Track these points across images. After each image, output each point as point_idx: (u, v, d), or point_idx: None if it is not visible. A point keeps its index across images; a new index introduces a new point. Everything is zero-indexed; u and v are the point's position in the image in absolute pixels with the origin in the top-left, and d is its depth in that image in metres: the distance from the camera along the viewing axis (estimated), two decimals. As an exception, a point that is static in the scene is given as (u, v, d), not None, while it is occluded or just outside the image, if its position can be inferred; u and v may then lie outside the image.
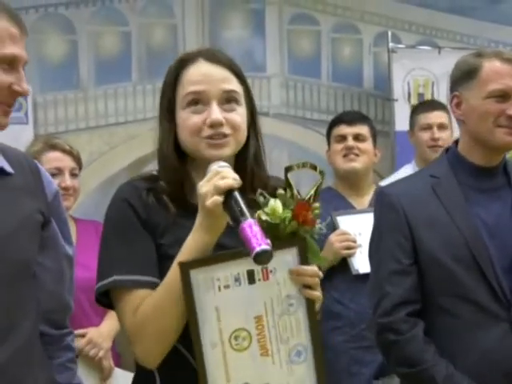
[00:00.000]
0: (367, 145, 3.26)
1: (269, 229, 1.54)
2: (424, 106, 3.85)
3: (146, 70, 4.34)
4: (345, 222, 3.11)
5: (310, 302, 1.58)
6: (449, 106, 3.71)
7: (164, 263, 1.61)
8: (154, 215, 1.66)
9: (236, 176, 1.54)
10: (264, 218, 1.55)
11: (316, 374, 1.59)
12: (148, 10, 4.40)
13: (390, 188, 2.23)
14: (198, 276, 1.52)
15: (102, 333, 2.78)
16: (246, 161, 1.74)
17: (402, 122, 4.00)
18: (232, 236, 1.55)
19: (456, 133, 3.49)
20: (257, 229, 1.45)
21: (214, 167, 1.57)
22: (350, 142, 3.22)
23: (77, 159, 2.88)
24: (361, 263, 3.00)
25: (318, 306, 1.67)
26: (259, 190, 1.61)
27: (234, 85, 1.70)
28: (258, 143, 1.78)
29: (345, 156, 3.22)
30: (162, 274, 1.61)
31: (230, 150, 1.67)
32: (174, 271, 1.56)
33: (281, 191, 1.59)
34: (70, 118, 4.23)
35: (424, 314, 2.10)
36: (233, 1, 4.54)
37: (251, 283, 1.54)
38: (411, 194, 2.16)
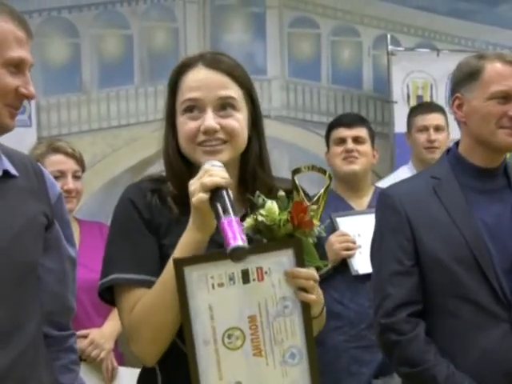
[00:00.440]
0: (366, 147, 3.26)
1: (265, 230, 1.54)
2: (421, 108, 3.86)
3: (148, 72, 4.34)
4: (344, 223, 3.11)
5: (305, 305, 1.56)
6: (447, 108, 3.78)
7: (166, 263, 1.61)
8: (157, 216, 1.66)
9: (225, 175, 1.53)
10: (260, 219, 1.54)
11: (310, 377, 1.57)
12: (150, 14, 4.40)
13: (392, 189, 2.23)
14: (192, 273, 1.51)
15: (104, 334, 2.78)
16: (249, 163, 1.74)
17: (401, 124, 4.01)
18: None
19: (452, 135, 3.54)
20: (236, 226, 1.44)
21: (206, 166, 1.57)
22: (350, 144, 3.22)
23: (79, 162, 2.88)
24: (360, 264, 3.00)
25: (319, 308, 1.66)
26: (257, 192, 1.60)
27: (231, 91, 1.69)
28: (261, 146, 1.76)
29: (344, 159, 3.22)
30: None
31: (226, 155, 1.67)
32: (169, 269, 1.56)
33: (281, 193, 1.58)
34: (73, 121, 4.23)
35: (425, 314, 2.10)
36: (233, 5, 4.54)
37: (245, 283, 1.53)
38: (412, 195, 2.15)
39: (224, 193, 1.50)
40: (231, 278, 1.52)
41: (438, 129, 3.66)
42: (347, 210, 3.19)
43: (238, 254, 1.42)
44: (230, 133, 1.67)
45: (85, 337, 2.71)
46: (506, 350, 2.03)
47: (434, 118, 3.68)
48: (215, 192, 1.50)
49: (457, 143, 2.23)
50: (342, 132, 3.25)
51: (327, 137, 3.34)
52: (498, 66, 2.11)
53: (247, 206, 1.64)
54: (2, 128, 1.69)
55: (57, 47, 4.22)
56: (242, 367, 1.54)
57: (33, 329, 1.73)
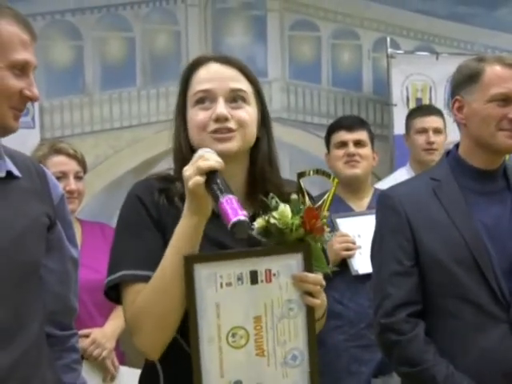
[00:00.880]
0: (367, 150, 3.26)
1: (275, 233, 1.54)
2: (420, 110, 3.88)
3: (150, 75, 4.34)
4: (344, 224, 3.11)
5: (310, 309, 1.57)
6: (446, 111, 3.79)
7: None
8: (164, 215, 1.66)
9: (219, 159, 1.54)
10: (273, 221, 1.54)
11: (310, 379, 1.58)
12: (152, 17, 4.40)
13: (392, 190, 2.23)
14: (201, 271, 1.52)
15: (105, 333, 2.78)
16: (257, 162, 1.74)
17: (400, 126, 4.01)
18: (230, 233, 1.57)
19: (450, 137, 3.54)
20: (235, 203, 1.45)
21: (199, 152, 1.57)
22: (352, 148, 3.21)
23: (81, 163, 2.88)
24: (360, 264, 3.01)
25: (322, 311, 1.66)
26: (271, 194, 1.61)
27: (242, 84, 1.71)
28: (270, 145, 1.77)
29: (346, 162, 3.21)
30: None
31: (235, 144, 1.67)
32: (166, 259, 1.57)
33: (294, 196, 1.59)
34: (76, 123, 4.23)
35: (425, 314, 2.10)
36: (235, 8, 4.54)
37: (253, 284, 1.54)
38: (412, 196, 2.15)
39: (218, 175, 1.51)
40: (239, 278, 1.53)
41: (436, 131, 3.68)
42: (347, 211, 3.19)
43: (240, 228, 1.43)
44: (240, 123, 1.68)
45: (87, 336, 2.71)
46: (505, 350, 2.03)
47: (432, 121, 3.70)
48: (210, 175, 1.51)
49: (457, 145, 2.23)
50: (343, 135, 3.24)
51: (327, 139, 3.33)
52: (498, 68, 2.11)
53: (256, 207, 1.65)
54: (6, 129, 1.69)
55: (60, 50, 4.22)
56: (243, 366, 1.54)
57: (35, 329, 1.73)
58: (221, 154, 1.59)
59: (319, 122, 4.54)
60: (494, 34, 4.95)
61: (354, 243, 3.04)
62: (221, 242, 1.63)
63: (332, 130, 3.31)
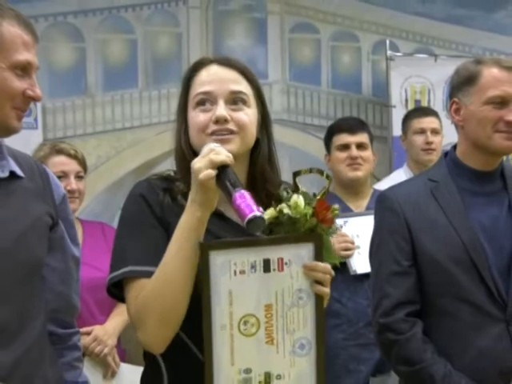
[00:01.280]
0: (368, 152, 3.26)
1: (289, 223, 1.56)
2: (418, 111, 3.89)
3: (152, 76, 4.34)
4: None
5: (318, 299, 1.58)
6: (444, 113, 3.79)
7: None
8: (168, 213, 1.66)
9: (229, 154, 1.55)
10: (286, 211, 1.56)
11: (316, 369, 1.59)
12: (154, 19, 4.40)
13: (390, 191, 2.23)
14: (216, 258, 1.52)
15: (107, 330, 2.78)
16: (258, 163, 1.75)
17: (399, 128, 4.01)
18: (231, 231, 1.58)
19: (446, 138, 3.55)
20: (249, 198, 1.46)
21: (210, 145, 1.58)
22: (354, 151, 3.21)
23: (82, 163, 2.89)
24: (359, 264, 3.01)
25: (326, 303, 1.67)
26: (283, 185, 1.63)
27: (242, 86, 1.71)
28: (270, 147, 1.78)
29: (349, 165, 3.21)
30: None
31: (235, 146, 1.67)
32: (169, 253, 1.57)
33: (304, 189, 1.60)
34: (78, 123, 4.24)
35: (423, 314, 2.10)
36: (236, 10, 4.54)
37: (266, 272, 1.54)
38: (411, 197, 2.16)
39: (231, 170, 1.52)
40: (253, 266, 1.54)
41: (434, 131, 3.70)
42: (346, 211, 3.19)
43: (256, 224, 1.44)
44: (240, 125, 1.68)
45: (88, 333, 2.72)
46: (503, 349, 2.04)
47: (430, 121, 3.72)
48: (221, 169, 1.52)
49: (454, 146, 2.23)
50: (346, 138, 3.23)
51: (328, 141, 3.32)
52: (495, 71, 2.11)
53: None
54: (9, 130, 1.69)
55: (62, 51, 4.22)
56: (253, 354, 1.55)
57: (38, 327, 1.73)
58: None
59: (319, 124, 4.54)
60: (492, 37, 4.96)
61: (352, 243, 3.05)
62: (215, 234, 1.63)
63: (333, 132, 3.31)
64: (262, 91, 1.78)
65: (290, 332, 1.56)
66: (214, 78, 1.70)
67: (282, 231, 1.57)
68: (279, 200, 1.61)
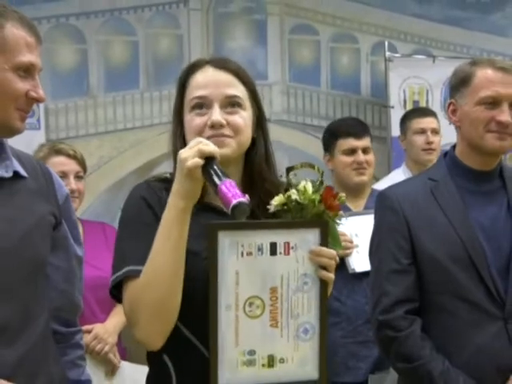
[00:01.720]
0: (372, 156, 3.26)
1: (296, 208, 1.57)
2: (417, 112, 3.89)
3: (153, 77, 4.35)
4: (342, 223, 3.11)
5: (323, 284, 1.58)
6: (442, 113, 3.79)
7: None
8: None
9: (216, 148, 1.55)
10: (294, 196, 1.56)
11: (319, 354, 1.59)
12: (155, 21, 4.41)
13: (391, 190, 2.23)
14: (225, 238, 1.53)
15: (107, 328, 2.79)
16: (255, 162, 1.75)
17: (398, 128, 4.01)
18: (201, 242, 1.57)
19: (444, 138, 3.55)
20: (234, 186, 1.47)
21: (198, 139, 1.58)
22: (361, 156, 3.19)
23: (81, 163, 2.90)
24: (357, 262, 3.01)
25: (330, 290, 1.66)
26: (292, 172, 1.64)
27: (237, 90, 1.72)
28: (267, 146, 1.79)
29: (355, 169, 3.20)
30: None
31: (230, 150, 1.68)
32: (156, 247, 1.56)
33: (291, 175, 1.62)
34: (81, 124, 4.24)
35: (422, 312, 2.10)
36: (236, 12, 4.54)
37: (272, 255, 1.55)
38: (411, 196, 2.16)
39: (217, 161, 1.53)
40: (260, 249, 1.54)
41: (434, 131, 3.71)
42: (345, 211, 3.18)
43: (240, 210, 1.45)
44: (236, 129, 1.69)
45: (89, 331, 2.72)
46: (500, 346, 2.04)
47: (430, 122, 3.73)
48: (208, 160, 1.52)
49: (454, 146, 2.23)
50: (352, 143, 3.20)
51: (330, 142, 3.28)
52: (488, 72, 2.11)
53: (253, 206, 1.65)
54: (12, 130, 1.70)
55: (65, 53, 4.22)
56: (257, 336, 1.55)
57: (42, 325, 1.73)
58: None
59: (318, 124, 4.54)
60: (489, 38, 4.96)
61: (351, 242, 3.05)
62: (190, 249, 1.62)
63: (338, 135, 3.26)
64: (257, 91, 1.78)
65: (295, 316, 1.57)
66: (210, 82, 1.70)
67: (290, 217, 1.58)
68: (287, 189, 1.61)
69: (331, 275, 1.58)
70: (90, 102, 4.26)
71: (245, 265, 1.54)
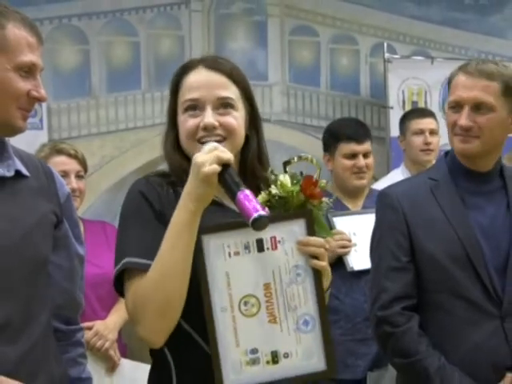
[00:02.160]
0: (372, 159, 3.26)
1: (278, 202, 1.57)
2: (416, 112, 3.90)
3: (155, 78, 4.35)
4: (340, 222, 3.12)
5: (317, 274, 1.57)
6: (441, 114, 3.80)
7: None
8: (168, 206, 1.65)
9: (231, 154, 1.56)
10: (274, 191, 1.57)
11: (323, 344, 1.57)
12: (156, 22, 4.41)
13: (391, 189, 2.24)
14: (209, 241, 1.53)
15: (108, 325, 2.79)
16: (247, 160, 1.76)
17: (396, 129, 4.01)
18: (229, 217, 1.57)
19: (443, 139, 3.55)
20: (252, 197, 1.47)
21: (212, 144, 1.59)
22: (362, 161, 3.19)
23: (82, 162, 2.90)
24: (356, 261, 3.02)
25: (328, 282, 1.66)
26: (270, 169, 1.64)
27: (229, 91, 1.72)
28: (260, 143, 1.79)
29: (355, 173, 3.20)
30: None
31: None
32: (165, 246, 1.57)
33: (288, 169, 1.62)
34: (83, 124, 4.24)
35: (420, 309, 2.11)
36: (237, 13, 4.55)
37: (260, 251, 1.54)
38: (411, 195, 2.17)
39: (233, 169, 1.54)
40: (246, 247, 1.54)
41: (432, 132, 3.72)
42: (343, 210, 3.19)
43: (261, 223, 1.45)
44: (228, 130, 1.69)
45: (89, 328, 2.72)
46: (497, 344, 2.04)
47: (428, 122, 3.73)
48: (225, 168, 1.53)
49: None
50: (354, 147, 3.20)
51: (330, 144, 3.27)
52: (458, 76, 2.12)
53: None
54: (14, 129, 1.70)
55: (67, 53, 4.23)
56: (257, 334, 1.54)
57: (43, 323, 1.73)
58: None
59: (318, 125, 4.54)
60: (487, 40, 4.97)
61: (349, 241, 3.05)
62: None
63: (339, 138, 3.24)
64: (250, 89, 1.78)
65: (292, 309, 1.56)
66: (202, 84, 1.71)
67: (276, 212, 1.58)
68: (268, 185, 1.62)
69: (323, 263, 1.58)
70: (92, 102, 4.26)
71: (234, 265, 1.54)
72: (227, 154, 1.54)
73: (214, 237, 1.53)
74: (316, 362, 1.57)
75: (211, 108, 1.69)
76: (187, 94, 1.71)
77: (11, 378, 1.58)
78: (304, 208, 1.58)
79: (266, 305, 1.54)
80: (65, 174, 2.79)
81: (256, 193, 1.62)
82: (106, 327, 2.78)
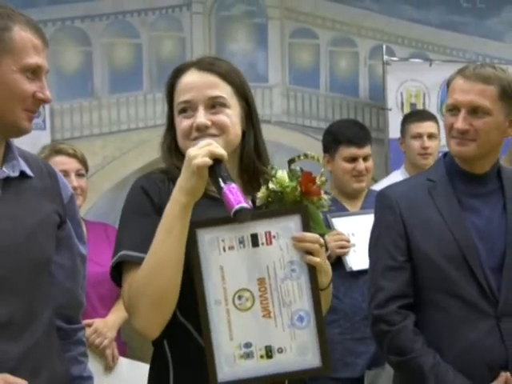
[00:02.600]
0: (371, 162, 3.26)
1: (275, 198, 1.57)
2: (416, 115, 3.87)
3: (156, 79, 4.35)
4: (339, 223, 3.12)
5: (312, 270, 1.56)
6: (438, 116, 3.80)
7: None
8: (167, 201, 1.64)
9: (225, 152, 1.57)
10: (271, 186, 1.57)
11: (318, 340, 1.56)
12: (158, 24, 4.42)
13: (389, 190, 2.25)
14: (204, 235, 1.53)
15: (107, 323, 2.80)
16: (244, 156, 1.77)
17: (395, 130, 4.02)
18: (222, 211, 1.57)
19: (442, 141, 3.55)
20: (238, 191, 1.48)
21: (207, 140, 1.60)
22: (362, 165, 3.19)
23: (82, 161, 2.92)
24: (354, 261, 3.03)
25: (327, 279, 1.66)
26: (270, 165, 1.65)
27: (221, 90, 1.73)
28: (257, 138, 1.79)
29: (355, 176, 3.20)
30: None
31: None
32: (157, 239, 1.58)
33: (292, 167, 1.63)
34: (85, 125, 4.25)
35: (416, 307, 2.11)
36: (237, 16, 4.55)
37: (254, 246, 1.54)
38: (408, 195, 2.17)
39: (224, 165, 1.55)
40: (241, 242, 1.54)
41: (431, 136, 3.68)
42: (342, 211, 3.20)
43: (242, 215, 1.46)
44: (221, 127, 1.70)
45: (89, 326, 2.73)
46: (492, 343, 2.05)
47: (427, 126, 3.70)
48: (215, 162, 1.54)
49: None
50: (354, 151, 3.19)
51: (330, 146, 3.27)
52: (456, 80, 2.13)
53: (253, 197, 1.67)
54: (20, 131, 1.71)
55: (70, 55, 4.23)
56: (251, 328, 1.54)
57: (46, 321, 1.74)
58: None
59: (318, 126, 4.55)
60: (484, 42, 4.97)
61: (348, 241, 3.06)
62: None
63: (340, 141, 3.23)
64: (246, 88, 1.79)
65: (287, 305, 1.55)
66: (194, 86, 1.72)
67: (274, 207, 1.58)
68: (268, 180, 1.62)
69: (318, 259, 1.57)
70: (94, 103, 4.27)
71: (228, 259, 1.54)
72: (220, 150, 1.56)
73: (209, 231, 1.54)
74: (311, 358, 1.56)
75: (203, 108, 1.70)
76: (181, 96, 1.74)
77: (14, 375, 1.59)
78: (299, 204, 1.58)
79: (260, 299, 1.54)
80: (65, 174, 2.80)
81: (258, 188, 1.64)
82: (105, 325, 2.79)
